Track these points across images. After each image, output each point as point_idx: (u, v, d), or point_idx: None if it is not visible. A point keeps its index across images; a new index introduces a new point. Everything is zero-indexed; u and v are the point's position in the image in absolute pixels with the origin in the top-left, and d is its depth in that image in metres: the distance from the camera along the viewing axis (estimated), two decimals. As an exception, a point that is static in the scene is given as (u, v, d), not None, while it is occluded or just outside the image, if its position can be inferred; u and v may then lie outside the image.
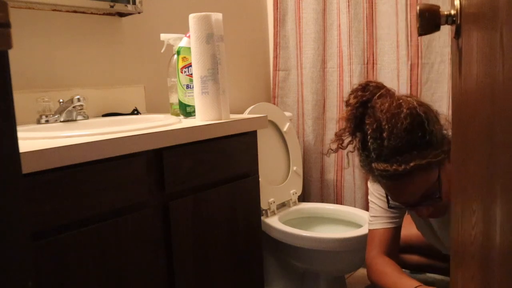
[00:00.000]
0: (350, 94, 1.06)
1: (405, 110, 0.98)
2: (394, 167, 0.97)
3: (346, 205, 1.88)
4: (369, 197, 1.28)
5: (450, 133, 1.05)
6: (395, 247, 1.25)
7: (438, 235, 1.25)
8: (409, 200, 1.05)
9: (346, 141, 1.09)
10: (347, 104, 1.06)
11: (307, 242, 1.48)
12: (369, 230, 1.26)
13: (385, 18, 1.75)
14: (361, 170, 1.09)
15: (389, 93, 1.04)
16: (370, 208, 1.27)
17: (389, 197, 1.13)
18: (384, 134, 0.98)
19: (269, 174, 1.71)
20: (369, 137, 1.00)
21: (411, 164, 0.96)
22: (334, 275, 1.60)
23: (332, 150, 1.12)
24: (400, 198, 1.06)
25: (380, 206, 1.25)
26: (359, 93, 1.04)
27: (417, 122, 0.98)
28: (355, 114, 1.03)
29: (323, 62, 1.93)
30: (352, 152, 1.11)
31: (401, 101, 1.01)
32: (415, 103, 1.01)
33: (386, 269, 1.19)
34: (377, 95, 1.03)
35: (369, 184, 1.30)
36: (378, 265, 1.20)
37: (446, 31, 1.64)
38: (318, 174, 1.99)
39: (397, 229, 1.25)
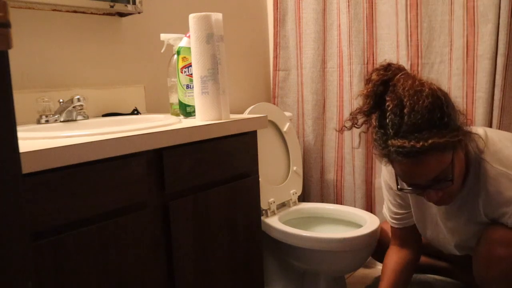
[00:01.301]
0: (372, 72, 1.07)
1: (427, 90, 1.00)
2: (412, 143, 0.97)
3: (346, 205, 1.88)
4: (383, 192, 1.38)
5: (464, 125, 1.06)
6: (410, 239, 1.36)
7: (441, 228, 1.25)
8: (421, 181, 1.05)
9: (360, 121, 1.09)
10: (368, 81, 1.06)
11: (307, 242, 1.48)
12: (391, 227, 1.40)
13: (385, 18, 1.75)
14: (375, 151, 1.08)
15: (410, 74, 1.05)
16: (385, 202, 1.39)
17: (398, 180, 1.12)
18: (405, 110, 0.98)
19: (269, 174, 1.71)
20: (389, 113, 1.00)
21: (429, 141, 0.96)
22: (334, 275, 1.60)
23: (346, 127, 1.13)
24: (413, 179, 1.06)
25: (390, 202, 1.35)
26: (381, 72, 1.05)
27: (437, 103, 0.99)
28: (376, 91, 1.04)
29: (323, 62, 1.93)
30: (365, 132, 1.11)
31: (423, 81, 1.03)
32: (435, 86, 1.03)
33: (385, 263, 1.37)
34: (399, 74, 1.04)
35: (382, 176, 1.36)
36: (386, 256, 1.39)
37: (446, 30, 1.64)
38: (318, 174, 1.99)
39: (408, 228, 1.35)
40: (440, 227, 1.25)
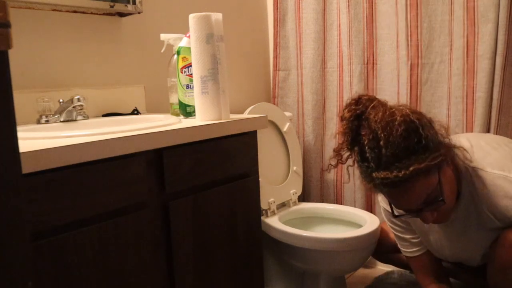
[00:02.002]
0: (344, 109, 1.08)
1: (398, 118, 1.00)
2: (394, 173, 0.98)
3: (346, 205, 1.88)
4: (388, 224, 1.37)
5: (446, 139, 1.06)
6: (436, 268, 1.35)
7: (442, 242, 1.25)
8: (413, 206, 1.06)
9: (345, 156, 1.10)
10: (342, 118, 1.07)
11: (307, 242, 1.48)
12: (409, 257, 1.35)
13: (385, 18, 1.75)
14: (363, 183, 1.10)
15: (381, 103, 1.06)
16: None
17: (393, 207, 1.13)
18: (381, 143, 0.99)
19: (269, 174, 1.71)
20: (366, 147, 1.02)
21: (410, 168, 0.98)
22: (334, 275, 1.60)
23: (332, 165, 1.14)
24: (404, 205, 1.07)
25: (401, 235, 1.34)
26: (353, 107, 1.06)
27: (411, 128, 1.00)
28: (351, 128, 1.05)
29: (323, 62, 1.93)
30: (352, 166, 1.12)
31: (393, 109, 1.03)
32: (407, 110, 1.03)
33: None
34: (370, 106, 1.04)
35: (382, 210, 1.36)
36: None
37: (446, 30, 1.64)
38: (318, 174, 1.99)
39: (428, 252, 1.33)
40: (452, 243, 1.24)
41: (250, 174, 1.24)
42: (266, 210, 1.66)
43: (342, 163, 1.12)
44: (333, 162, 1.12)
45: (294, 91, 2.01)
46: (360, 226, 1.57)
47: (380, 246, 1.51)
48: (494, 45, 1.52)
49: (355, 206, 1.85)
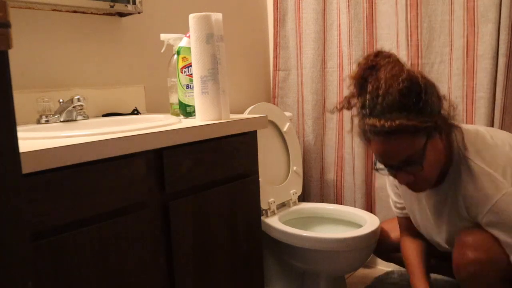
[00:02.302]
0: (363, 57, 1.12)
1: (405, 75, 1.03)
2: (382, 122, 1.01)
3: (346, 205, 1.88)
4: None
5: (446, 114, 1.09)
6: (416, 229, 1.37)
7: (431, 222, 1.26)
8: (393, 162, 1.08)
9: (353, 102, 1.14)
10: (358, 65, 1.11)
11: (307, 242, 1.48)
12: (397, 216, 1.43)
13: (385, 18, 1.75)
14: (357, 133, 1.14)
15: (397, 61, 1.09)
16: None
17: (376, 161, 1.16)
18: (380, 92, 1.02)
19: (269, 174, 1.71)
20: (368, 95, 1.05)
21: (397, 122, 1.00)
22: (334, 275, 1.60)
23: (337, 108, 1.20)
24: (385, 159, 1.09)
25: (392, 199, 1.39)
26: (371, 58, 1.10)
27: (414, 87, 1.02)
28: (362, 75, 1.08)
29: (323, 62, 1.93)
30: (356, 116, 1.15)
31: (406, 68, 1.06)
32: (419, 74, 1.06)
33: (408, 255, 1.37)
34: (386, 61, 1.08)
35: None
36: (403, 248, 1.39)
37: (446, 30, 1.64)
38: (318, 174, 1.99)
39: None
40: (430, 221, 1.26)
41: (250, 174, 1.24)
42: (266, 210, 1.65)
43: (348, 109, 1.15)
44: (339, 106, 1.17)
45: (294, 91, 2.01)
46: (360, 226, 1.57)
47: (380, 246, 1.51)
48: (496, 45, 1.52)
49: (355, 206, 1.85)
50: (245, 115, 1.26)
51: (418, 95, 1.02)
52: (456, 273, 1.13)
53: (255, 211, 1.26)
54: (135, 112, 1.43)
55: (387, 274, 1.82)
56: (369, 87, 1.05)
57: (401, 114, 1.01)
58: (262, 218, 1.63)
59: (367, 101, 1.05)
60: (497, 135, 1.17)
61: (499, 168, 1.08)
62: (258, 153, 1.27)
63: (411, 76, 1.03)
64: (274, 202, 1.68)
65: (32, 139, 0.88)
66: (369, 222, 1.54)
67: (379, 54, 1.10)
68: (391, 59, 1.08)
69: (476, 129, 1.19)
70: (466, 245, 1.10)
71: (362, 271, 1.90)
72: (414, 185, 1.14)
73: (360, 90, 1.09)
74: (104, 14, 1.39)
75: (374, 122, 1.03)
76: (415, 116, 1.01)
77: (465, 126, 1.17)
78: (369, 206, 1.88)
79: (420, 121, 1.01)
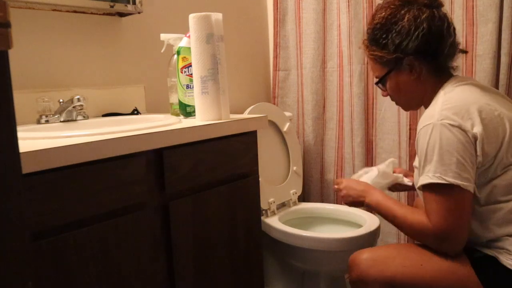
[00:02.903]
0: None
1: (385, 13, 1.14)
2: (362, 43, 1.22)
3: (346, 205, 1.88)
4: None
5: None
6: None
7: None
8: (373, 74, 1.24)
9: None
10: None
11: (307, 242, 1.48)
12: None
13: (385, 18, 1.75)
14: None
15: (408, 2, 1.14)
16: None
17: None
18: (372, 18, 1.18)
19: (269, 174, 1.71)
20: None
21: (366, 49, 1.19)
22: (334, 275, 1.60)
23: None
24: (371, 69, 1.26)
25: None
26: None
27: (386, 27, 1.13)
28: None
29: (323, 62, 1.93)
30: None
31: (406, 9, 1.12)
32: (422, 16, 1.10)
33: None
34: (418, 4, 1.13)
35: None
36: None
37: (446, 31, 1.64)
38: (318, 174, 1.99)
39: None
40: None
41: (250, 174, 1.24)
42: (266, 210, 1.66)
43: None
44: None
45: (294, 91, 2.01)
46: (360, 226, 1.57)
47: None
48: (496, 44, 1.52)
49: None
50: (245, 115, 1.26)
51: (386, 33, 1.12)
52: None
53: (255, 211, 1.26)
54: (135, 112, 1.43)
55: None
56: (375, 9, 1.20)
57: (371, 43, 1.17)
58: (262, 218, 1.63)
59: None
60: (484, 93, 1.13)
61: (449, 104, 1.04)
62: (258, 153, 1.27)
63: (395, 14, 1.12)
64: (274, 202, 1.68)
65: (32, 139, 0.88)
66: (369, 222, 1.54)
67: None
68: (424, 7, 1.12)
69: (460, 81, 1.15)
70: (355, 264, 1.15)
71: (362, 271, 1.89)
72: (394, 100, 1.24)
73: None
74: (104, 14, 1.39)
75: (363, 39, 1.22)
76: (378, 49, 1.15)
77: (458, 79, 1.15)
78: (369, 206, 1.88)
79: (381, 54, 1.15)
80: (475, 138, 0.99)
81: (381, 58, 1.16)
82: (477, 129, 0.99)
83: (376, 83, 1.22)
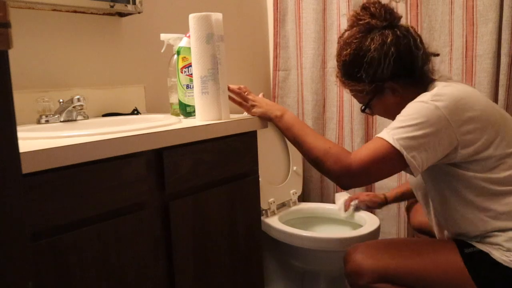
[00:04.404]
0: (365, 4, 1.16)
1: (354, 46, 1.12)
2: (336, 75, 1.22)
3: (346, 205, 1.88)
4: None
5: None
6: None
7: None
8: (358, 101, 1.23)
9: None
10: (358, 10, 1.17)
11: (307, 242, 1.48)
12: None
13: (385, 18, 1.75)
14: None
15: (368, 23, 1.12)
16: None
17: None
18: (336, 53, 1.19)
19: (269, 174, 1.71)
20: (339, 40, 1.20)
21: (342, 80, 1.19)
22: (334, 275, 1.60)
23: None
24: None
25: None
26: (362, 12, 1.15)
27: (355, 62, 1.12)
28: (351, 23, 1.17)
29: (323, 62, 1.93)
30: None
31: (368, 36, 1.11)
32: (387, 40, 1.09)
33: None
34: (364, 21, 1.13)
35: None
36: None
37: (446, 30, 1.64)
38: (318, 174, 1.99)
39: None
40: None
41: (250, 174, 1.24)
42: (266, 210, 1.66)
43: None
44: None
45: (294, 91, 2.01)
46: (360, 226, 1.57)
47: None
48: (496, 45, 1.52)
49: (355, 206, 1.84)
50: (245, 115, 1.26)
51: (358, 67, 1.12)
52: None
53: (255, 211, 1.26)
54: (135, 112, 1.43)
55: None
56: (337, 45, 1.20)
57: (346, 79, 1.17)
58: (262, 218, 1.63)
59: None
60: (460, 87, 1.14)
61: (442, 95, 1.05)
62: (258, 153, 1.27)
63: (360, 48, 1.11)
64: (274, 202, 1.68)
65: (32, 139, 0.88)
66: (369, 222, 1.54)
67: (367, 8, 1.14)
68: (365, 21, 1.12)
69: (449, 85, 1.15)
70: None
71: (362, 271, 1.89)
72: (381, 116, 1.25)
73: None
74: (104, 14, 1.39)
75: (336, 77, 1.22)
76: (354, 83, 1.15)
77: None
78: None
79: (359, 87, 1.15)
80: (462, 121, 1.01)
81: (360, 91, 1.16)
82: (471, 114, 1.01)
83: (362, 111, 1.22)
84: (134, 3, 1.39)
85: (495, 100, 1.55)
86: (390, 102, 1.15)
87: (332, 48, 1.90)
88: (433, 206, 1.18)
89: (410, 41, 1.11)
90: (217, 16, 1.12)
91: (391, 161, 1.04)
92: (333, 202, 1.95)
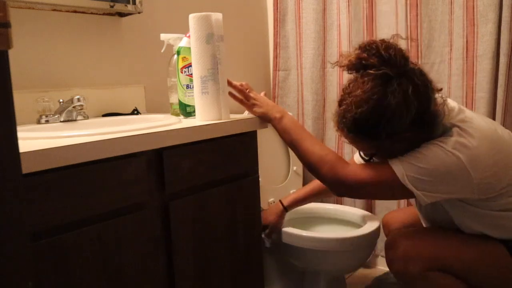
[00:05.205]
0: (364, 46, 1.03)
1: (370, 105, 0.99)
2: (340, 132, 1.09)
3: (346, 205, 1.88)
4: None
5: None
6: None
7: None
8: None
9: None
10: (357, 52, 1.04)
11: (307, 242, 1.48)
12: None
13: (385, 18, 1.75)
14: None
15: (382, 75, 0.99)
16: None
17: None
18: (343, 108, 1.04)
19: (269, 174, 1.71)
20: (339, 104, 1.07)
21: (349, 138, 1.08)
22: (334, 275, 1.60)
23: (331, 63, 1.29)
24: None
25: None
26: (366, 54, 1.01)
27: (370, 120, 1.00)
28: (352, 67, 1.04)
29: (323, 62, 1.93)
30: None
31: (389, 94, 0.98)
32: (408, 90, 0.97)
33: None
34: (373, 70, 1.00)
35: None
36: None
37: (446, 30, 1.64)
38: (318, 174, 1.98)
39: None
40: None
41: (250, 174, 1.24)
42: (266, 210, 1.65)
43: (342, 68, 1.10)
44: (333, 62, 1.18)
45: (294, 91, 2.01)
46: (360, 226, 1.57)
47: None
48: (495, 45, 1.52)
49: (355, 206, 1.84)
50: (245, 115, 1.26)
51: (375, 125, 1.00)
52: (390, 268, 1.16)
53: (255, 211, 1.26)
54: (135, 112, 1.43)
55: (387, 274, 1.82)
56: (342, 97, 1.06)
57: (350, 133, 1.05)
58: (262, 218, 1.63)
59: (337, 110, 1.07)
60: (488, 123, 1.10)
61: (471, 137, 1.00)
62: (258, 153, 1.27)
63: (380, 105, 0.98)
64: (274, 202, 1.68)
65: (32, 139, 0.88)
66: (369, 222, 1.54)
67: (378, 53, 1.01)
68: (379, 71, 0.99)
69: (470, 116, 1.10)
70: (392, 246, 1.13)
71: (362, 271, 1.90)
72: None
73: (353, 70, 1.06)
74: (104, 14, 1.39)
75: (336, 125, 1.09)
76: (366, 139, 1.05)
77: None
78: (369, 206, 1.88)
79: (371, 143, 1.06)
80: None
81: (372, 146, 1.08)
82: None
83: (366, 161, 1.12)
84: (134, 3, 1.39)
85: (494, 100, 1.55)
86: (397, 149, 1.06)
87: (332, 48, 1.90)
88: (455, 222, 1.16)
89: (427, 88, 1.01)
90: (217, 16, 1.12)
91: (392, 190, 1.04)
92: (333, 202, 1.95)
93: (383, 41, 1.02)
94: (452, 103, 1.10)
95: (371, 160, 1.13)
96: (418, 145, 1.05)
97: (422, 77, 1.02)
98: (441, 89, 1.07)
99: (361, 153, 1.17)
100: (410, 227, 1.37)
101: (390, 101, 0.97)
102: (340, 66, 1.07)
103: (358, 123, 1.02)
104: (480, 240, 1.08)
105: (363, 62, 1.01)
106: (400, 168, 1.01)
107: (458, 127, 1.02)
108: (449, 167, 0.98)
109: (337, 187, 1.10)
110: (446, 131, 1.03)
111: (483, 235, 1.09)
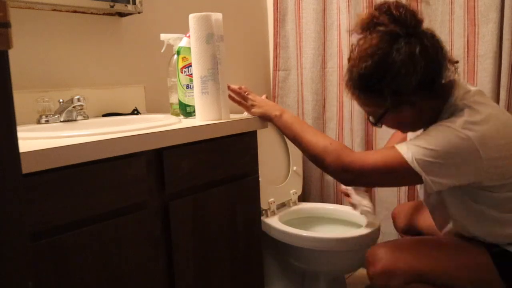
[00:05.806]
0: (380, 4, 1.04)
1: (376, 58, 1.00)
2: (346, 87, 1.11)
3: (346, 205, 1.88)
4: None
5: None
6: None
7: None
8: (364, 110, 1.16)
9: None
10: (371, 10, 1.06)
11: (307, 242, 1.48)
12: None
13: (385, 18, 1.75)
14: None
15: (391, 31, 1.00)
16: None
17: None
18: (350, 63, 1.08)
19: (269, 174, 1.71)
20: (353, 47, 1.09)
21: (355, 94, 1.08)
22: (334, 275, 1.60)
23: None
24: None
25: None
26: (378, 13, 1.03)
27: (375, 73, 1.02)
28: (363, 26, 1.06)
29: (323, 62, 1.93)
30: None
31: (395, 50, 0.99)
32: (415, 50, 0.98)
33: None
34: (382, 27, 1.01)
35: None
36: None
37: (446, 30, 1.64)
38: (318, 174, 1.99)
39: None
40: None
41: (250, 174, 1.24)
42: (266, 210, 1.65)
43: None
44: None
45: (294, 91, 2.01)
46: (360, 226, 1.57)
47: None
48: (497, 45, 1.52)
49: (355, 206, 1.84)
50: (245, 115, 1.26)
51: (379, 80, 1.01)
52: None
53: (255, 211, 1.26)
54: (135, 112, 1.43)
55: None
56: (350, 54, 1.08)
57: (361, 92, 1.06)
58: (262, 218, 1.63)
59: (350, 56, 1.10)
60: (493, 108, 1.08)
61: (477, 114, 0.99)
62: (258, 153, 1.27)
63: (385, 60, 1.00)
64: (274, 202, 1.68)
65: (32, 139, 0.88)
66: (369, 222, 1.54)
67: (388, 11, 1.02)
68: (387, 28, 1.00)
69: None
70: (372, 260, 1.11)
71: (362, 271, 1.89)
72: (398, 129, 1.20)
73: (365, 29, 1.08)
74: (104, 14, 1.39)
75: (345, 83, 1.11)
76: (371, 96, 1.05)
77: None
78: (369, 206, 1.88)
79: (375, 101, 1.06)
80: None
81: (376, 104, 1.07)
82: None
83: (373, 124, 1.12)
84: (134, 3, 1.39)
85: (497, 100, 1.55)
86: (406, 116, 1.07)
87: (332, 48, 1.90)
88: (453, 223, 1.14)
89: (438, 52, 1.01)
90: (217, 16, 1.12)
91: (399, 175, 1.01)
92: (333, 202, 1.95)
93: (396, 1, 1.04)
94: (471, 86, 1.08)
95: (378, 125, 1.12)
96: (426, 118, 1.04)
97: (433, 40, 1.01)
98: (457, 62, 1.08)
99: (370, 118, 1.13)
100: (418, 219, 1.38)
101: (395, 58, 0.99)
102: (352, 30, 1.10)
103: (362, 78, 1.03)
104: (463, 249, 1.07)
105: (374, 20, 1.03)
106: (409, 152, 0.99)
107: (469, 107, 1.00)
108: (459, 147, 0.96)
109: (344, 175, 1.08)
110: (456, 111, 1.01)
111: (468, 244, 1.08)
